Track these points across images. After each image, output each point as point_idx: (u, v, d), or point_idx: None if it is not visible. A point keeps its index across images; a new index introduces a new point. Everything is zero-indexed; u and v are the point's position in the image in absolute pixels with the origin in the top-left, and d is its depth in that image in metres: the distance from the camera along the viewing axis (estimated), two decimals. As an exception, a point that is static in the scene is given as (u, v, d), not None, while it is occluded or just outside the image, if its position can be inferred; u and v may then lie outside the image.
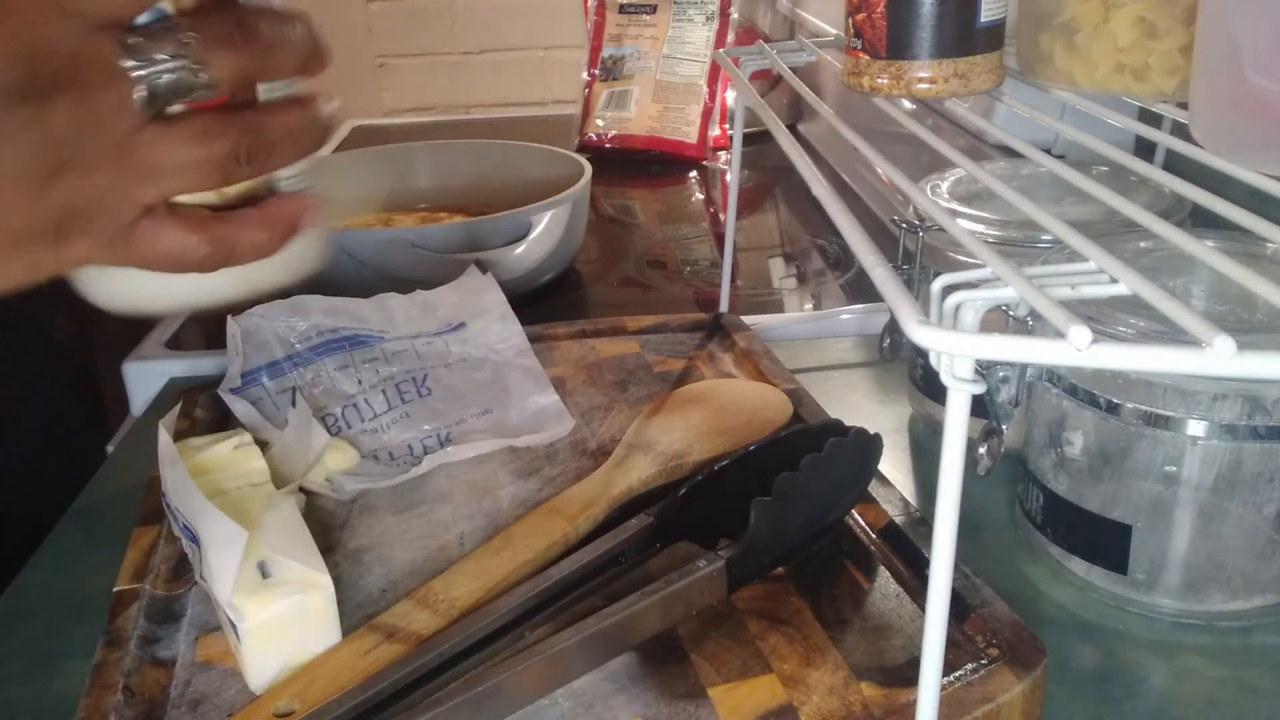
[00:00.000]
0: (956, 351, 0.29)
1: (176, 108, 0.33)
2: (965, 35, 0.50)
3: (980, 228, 0.59)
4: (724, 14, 1.34)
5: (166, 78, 0.32)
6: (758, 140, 1.23)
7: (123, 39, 0.32)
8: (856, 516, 0.53)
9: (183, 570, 0.51)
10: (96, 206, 0.33)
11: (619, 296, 0.93)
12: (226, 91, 0.34)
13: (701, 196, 1.25)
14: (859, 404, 0.72)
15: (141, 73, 0.32)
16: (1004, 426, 0.48)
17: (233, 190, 0.37)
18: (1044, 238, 0.57)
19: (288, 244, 0.37)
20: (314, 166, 0.39)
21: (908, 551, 0.49)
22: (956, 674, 0.41)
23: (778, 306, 0.89)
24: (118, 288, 0.38)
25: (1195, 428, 0.47)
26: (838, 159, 1.27)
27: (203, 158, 0.33)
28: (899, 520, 0.51)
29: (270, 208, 0.37)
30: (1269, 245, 0.50)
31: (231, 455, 0.54)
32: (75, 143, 0.31)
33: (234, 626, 0.43)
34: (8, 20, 0.30)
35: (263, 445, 0.56)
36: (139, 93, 0.32)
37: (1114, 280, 0.32)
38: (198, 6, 0.34)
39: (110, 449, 0.72)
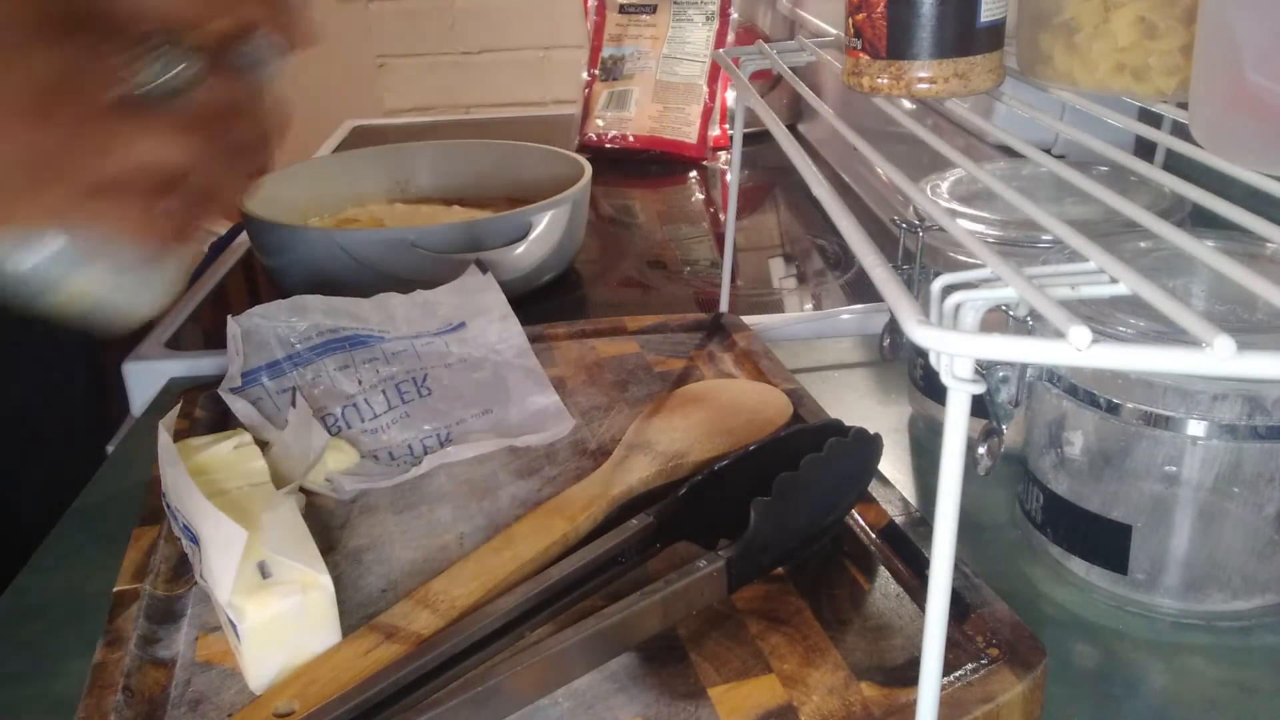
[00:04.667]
0: (956, 351, 0.29)
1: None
2: (965, 35, 0.50)
3: (980, 228, 0.59)
4: (724, 14, 1.33)
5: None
6: (758, 140, 1.23)
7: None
8: (856, 516, 0.53)
9: (183, 570, 0.51)
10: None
11: (619, 296, 0.92)
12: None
13: (701, 196, 1.25)
14: (859, 404, 0.72)
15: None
16: (1004, 426, 0.48)
17: None
18: (1044, 238, 0.57)
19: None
20: None
21: (908, 551, 0.49)
22: (956, 674, 0.41)
23: (778, 306, 0.89)
24: None
25: (1195, 428, 0.47)
26: (838, 159, 1.27)
27: None
28: (899, 520, 0.51)
29: None
30: (1269, 245, 0.50)
31: (231, 455, 0.54)
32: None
33: (234, 626, 0.43)
34: None
35: (263, 445, 0.56)
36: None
37: (1114, 280, 0.32)
38: None
39: (110, 449, 0.72)
